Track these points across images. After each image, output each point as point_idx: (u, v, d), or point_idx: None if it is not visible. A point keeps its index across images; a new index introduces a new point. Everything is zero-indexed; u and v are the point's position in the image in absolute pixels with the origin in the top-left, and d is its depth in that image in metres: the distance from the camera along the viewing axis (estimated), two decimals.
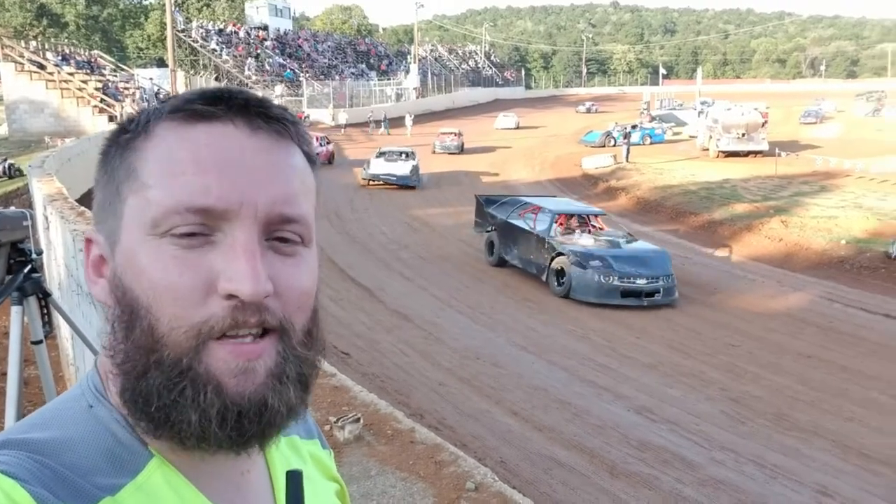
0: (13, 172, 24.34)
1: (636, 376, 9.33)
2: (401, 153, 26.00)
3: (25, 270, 2.18)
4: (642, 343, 10.69)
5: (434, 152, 33.22)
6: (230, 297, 0.58)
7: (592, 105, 63.15)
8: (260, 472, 0.72)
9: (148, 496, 0.60)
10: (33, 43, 38.24)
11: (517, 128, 47.48)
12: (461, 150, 34.21)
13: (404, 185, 24.05)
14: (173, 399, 0.58)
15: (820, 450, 7.48)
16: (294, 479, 0.68)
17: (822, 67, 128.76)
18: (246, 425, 0.60)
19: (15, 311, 2.17)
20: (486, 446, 7.04)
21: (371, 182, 24.31)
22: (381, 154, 25.94)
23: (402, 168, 24.48)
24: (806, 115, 47.58)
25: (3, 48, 32.34)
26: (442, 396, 8.29)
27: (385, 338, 10.34)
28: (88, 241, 0.66)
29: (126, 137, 0.64)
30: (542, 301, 12.72)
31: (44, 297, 2.29)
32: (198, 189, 0.59)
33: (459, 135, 35.44)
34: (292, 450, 0.80)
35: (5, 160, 24.69)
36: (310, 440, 0.84)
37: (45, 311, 2.31)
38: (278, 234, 0.62)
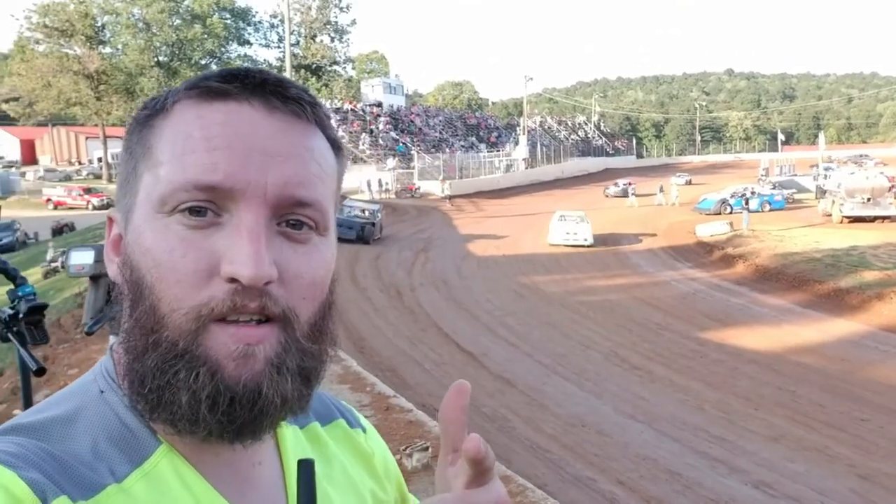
0: None
1: (754, 449, 8.74)
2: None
3: None
4: (761, 415, 10.04)
5: None
6: (231, 280, 0.57)
7: (628, 185, 47.25)
8: (272, 463, 0.69)
9: (154, 484, 0.59)
10: None
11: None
12: None
13: None
14: (167, 381, 0.57)
15: None
16: (306, 469, 0.63)
17: None
18: (237, 411, 0.58)
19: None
20: None
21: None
22: None
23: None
24: None
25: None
26: (543, 462, 8.04)
27: (488, 402, 10.20)
28: (110, 221, 0.66)
29: (145, 114, 0.63)
30: (653, 370, 12.24)
31: None
32: (206, 166, 0.58)
33: None
34: (311, 440, 0.76)
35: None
36: (331, 423, 0.81)
37: None
38: (291, 217, 0.60)
